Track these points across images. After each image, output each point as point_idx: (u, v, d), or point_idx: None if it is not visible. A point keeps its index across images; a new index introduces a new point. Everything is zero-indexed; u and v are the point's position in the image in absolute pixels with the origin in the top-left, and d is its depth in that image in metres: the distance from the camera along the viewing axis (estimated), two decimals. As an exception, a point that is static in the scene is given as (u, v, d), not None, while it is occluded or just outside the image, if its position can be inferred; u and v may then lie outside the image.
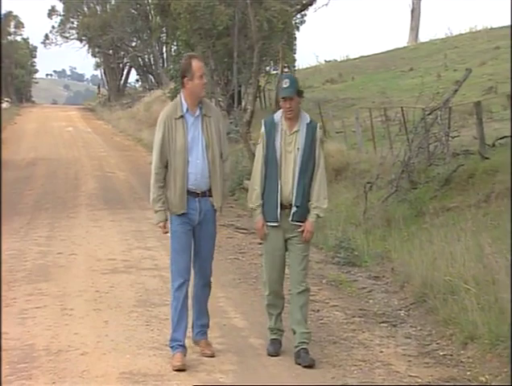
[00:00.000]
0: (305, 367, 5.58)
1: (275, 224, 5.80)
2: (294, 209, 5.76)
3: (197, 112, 5.66)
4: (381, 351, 6.12)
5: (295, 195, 5.75)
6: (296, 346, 5.75)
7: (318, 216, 5.86)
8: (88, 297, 7.70)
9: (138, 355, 5.85)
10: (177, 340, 5.61)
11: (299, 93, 5.86)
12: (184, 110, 5.63)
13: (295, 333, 5.81)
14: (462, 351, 5.95)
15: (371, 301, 7.80)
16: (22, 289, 8.14)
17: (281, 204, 5.76)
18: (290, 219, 5.77)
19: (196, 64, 5.60)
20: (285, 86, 5.80)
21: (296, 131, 5.81)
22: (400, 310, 7.36)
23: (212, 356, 5.75)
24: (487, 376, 5.39)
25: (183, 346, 5.62)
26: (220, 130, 5.74)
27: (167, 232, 5.73)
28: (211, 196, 5.68)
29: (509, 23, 27.96)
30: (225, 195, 5.92)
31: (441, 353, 6.04)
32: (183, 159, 5.57)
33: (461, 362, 5.79)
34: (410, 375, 5.54)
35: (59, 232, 11.72)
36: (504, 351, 5.53)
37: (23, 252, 10.19)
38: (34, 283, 8.38)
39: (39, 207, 14.54)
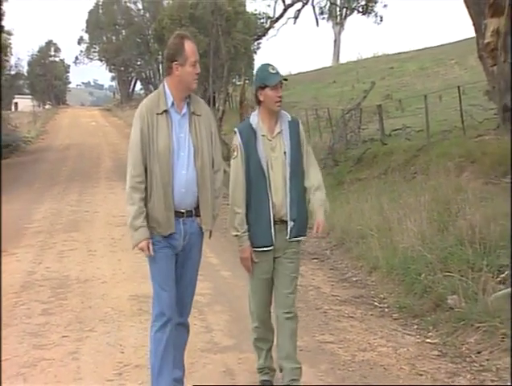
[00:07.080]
0: None
1: (269, 248, 3.39)
2: (291, 224, 3.43)
3: (184, 110, 3.16)
4: (313, 279, 6.13)
5: (288, 206, 3.40)
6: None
7: (326, 212, 3.67)
8: (106, 243, 7.61)
9: (142, 283, 5.76)
10: None
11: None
12: (169, 104, 3.13)
13: (282, 370, 3.44)
14: (368, 277, 5.98)
15: (306, 243, 7.78)
16: (59, 236, 8.03)
17: (274, 221, 3.38)
18: (287, 237, 3.42)
19: (189, 47, 3.11)
20: (273, 72, 3.32)
21: (279, 132, 3.38)
22: (326, 250, 7.38)
23: None
24: (385, 294, 5.42)
25: None
26: (212, 133, 3.23)
27: (151, 255, 3.23)
28: (198, 216, 3.22)
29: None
30: (215, 215, 3.35)
31: (354, 279, 6.07)
32: (167, 164, 3.07)
33: (368, 285, 5.81)
34: (333, 295, 5.55)
35: (85, 196, 11.57)
36: (396, 276, 5.55)
37: (60, 210, 10.07)
38: (68, 232, 8.27)
39: (71, 179, 14.33)
